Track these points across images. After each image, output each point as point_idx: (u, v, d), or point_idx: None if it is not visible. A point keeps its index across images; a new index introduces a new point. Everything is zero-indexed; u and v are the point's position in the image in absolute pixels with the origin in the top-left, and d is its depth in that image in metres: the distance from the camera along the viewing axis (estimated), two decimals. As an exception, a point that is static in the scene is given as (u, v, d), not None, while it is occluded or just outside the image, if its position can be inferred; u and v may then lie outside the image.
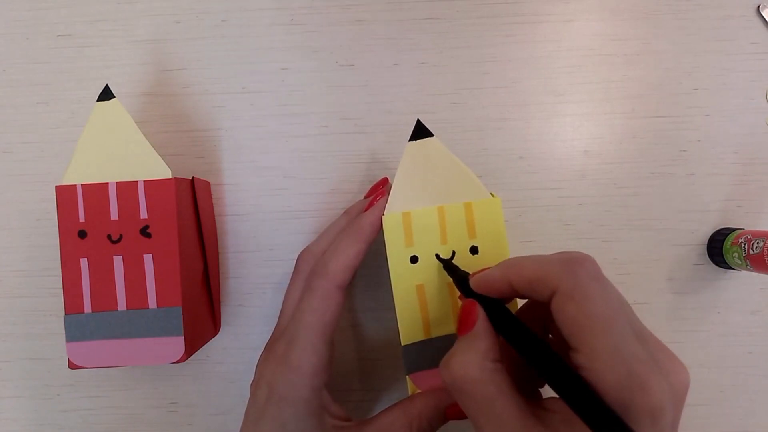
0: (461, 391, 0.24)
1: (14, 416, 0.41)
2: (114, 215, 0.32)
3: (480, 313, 0.26)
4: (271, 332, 0.33)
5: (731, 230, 0.39)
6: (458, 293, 0.30)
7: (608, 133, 0.41)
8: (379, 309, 0.40)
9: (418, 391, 0.31)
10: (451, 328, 0.31)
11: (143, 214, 0.32)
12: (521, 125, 0.41)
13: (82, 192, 0.32)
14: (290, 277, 0.34)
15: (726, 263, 0.39)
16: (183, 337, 0.31)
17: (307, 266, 0.33)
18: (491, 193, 0.31)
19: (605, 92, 0.41)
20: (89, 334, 0.31)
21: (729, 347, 0.40)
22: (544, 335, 0.28)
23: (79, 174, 0.32)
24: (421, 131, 0.31)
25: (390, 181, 0.37)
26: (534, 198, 0.40)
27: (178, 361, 0.31)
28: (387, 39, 0.41)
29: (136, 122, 0.32)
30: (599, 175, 0.41)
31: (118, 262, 0.32)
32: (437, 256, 0.31)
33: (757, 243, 0.35)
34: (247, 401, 0.31)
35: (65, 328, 0.31)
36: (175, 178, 0.32)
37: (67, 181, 0.32)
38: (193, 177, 0.36)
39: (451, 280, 0.31)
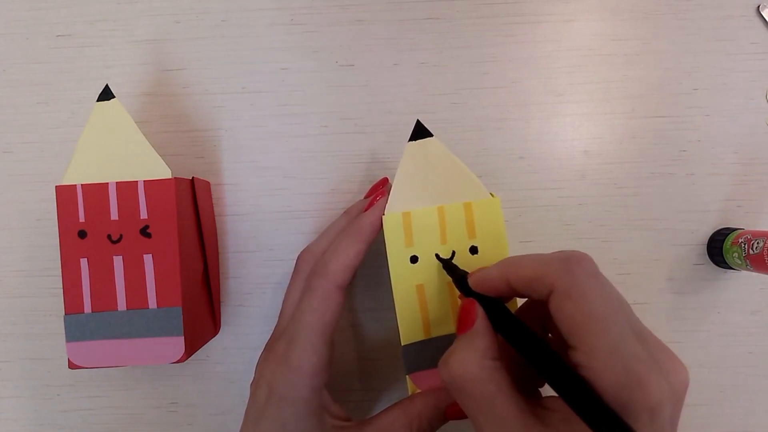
0: (460, 389, 0.24)
1: (14, 416, 0.41)
2: (114, 215, 0.32)
3: (479, 312, 0.26)
4: (271, 332, 0.33)
5: (731, 230, 0.39)
6: (458, 293, 0.30)
7: (608, 133, 0.41)
8: (379, 309, 0.40)
9: (418, 390, 0.31)
10: (451, 328, 0.31)
11: (143, 214, 0.32)
12: (521, 125, 0.41)
13: (82, 192, 0.32)
14: (290, 277, 0.34)
15: (726, 263, 0.38)
16: (183, 337, 0.31)
17: (307, 266, 0.33)
18: (491, 193, 0.31)
19: (605, 92, 0.41)
20: (89, 334, 0.31)
21: (729, 347, 0.40)
22: (543, 334, 0.28)
23: (79, 174, 0.32)
24: (420, 131, 0.31)
25: (390, 181, 0.37)
26: (534, 198, 0.40)
27: (178, 361, 0.31)
28: (387, 39, 0.41)
29: (136, 122, 0.32)
30: (599, 175, 0.41)
31: (118, 262, 0.32)
32: (437, 255, 0.31)
33: (757, 243, 0.35)
34: (247, 401, 0.31)
35: (65, 328, 0.31)
36: (175, 178, 0.32)
37: (67, 181, 0.32)
38: (193, 177, 0.36)
39: (451, 279, 0.31)
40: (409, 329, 0.31)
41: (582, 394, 0.20)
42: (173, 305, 0.31)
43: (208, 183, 0.40)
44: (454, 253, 0.31)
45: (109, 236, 0.32)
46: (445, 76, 0.41)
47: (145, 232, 0.32)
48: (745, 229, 0.39)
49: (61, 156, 0.41)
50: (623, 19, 0.41)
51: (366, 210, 0.32)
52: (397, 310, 0.31)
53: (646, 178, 0.41)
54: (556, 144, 0.41)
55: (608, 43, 0.41)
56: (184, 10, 0.41)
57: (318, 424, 0.29)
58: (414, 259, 0.31)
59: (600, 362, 0.21)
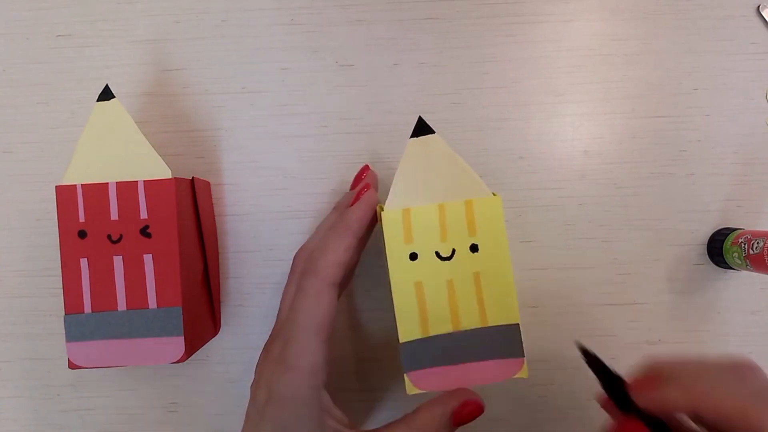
0: None
1: (14, 416, 0.41)
2: (114, 215, 0.32)
3: None
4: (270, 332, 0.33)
5: (731, 230, 0.39)
6: (459, 293, 0.30)
7: (608, 133, 0.41)
8: (379, 309, 0.40)
9: (416, 390, 0.31)
10: (449, 326, 0.31)
11: (143, 214, 0.32)
12: (521, 125, 0.41)
13: (82, 192, 0.32)
14: (278, 284, 0.34)
15: (726, 263, 0.38)
16: (183, 337, 0.31)
17: (302, 265, 0.33)
18: (492, 192, 0.31)
19: (605, 92, 0.41)
20: (89, 334, 0.31)
21: (729, 347, 0.40)
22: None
23: (79, 174, 0.32)
24: (422, 128, 0.31)
25: (371, 169, 0.37)
26: (534, 198, 0.40)
27: (178, 361, 0.31)
28: (387, 39, 0.41)
29: (136, 122, 0.32)
30: (599, 175, 0.41)
31: (118, 262, 0.32)
32: (580, 347, 0.30)
33: (757, 243, 0.35)
34: (247, 401, 0.31)
35: (65, 328, 0.31)
36: (175, 178, 0.32)
37: (67, 181, 0.32)
38: (193, 177, 0.36)
39: (451, 277, 0.30)
40: (407, 327, 0.31)
41: None
42: (173, 305, 0.31)
43: (208, 183, 0.40)
44: (454, 251, 0.31)
45: (109, 236, 0.32)
46: (445, 76, 0.41)
47: (145, 232, 0.32)
48: (745, 229, 0.39)
49: (61, 156, 0.41)
50: (623, 19, 0.41)
51: (352, 204, 0.32)
52: (395, 307, 0.31)
53: (646, 178, 0.41)
54: (556, 144, 0.41)
55: (608, 43, 0.41)
56: (184, 10, 0.41)
57: (318, 425, 0.29)
58: (413, 257, 0.31)
59: None
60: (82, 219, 0.31)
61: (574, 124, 0.41)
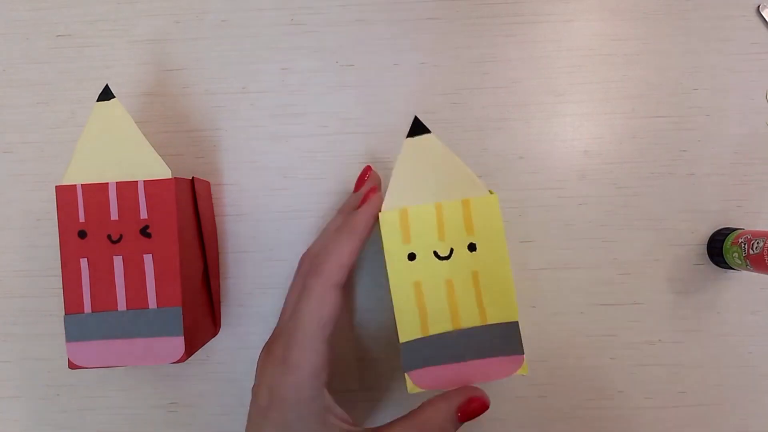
0: None
1: (14, 416, 0.41)
2: (114, 215, 0.32)
3: None
4: (270, 333, 0.33)
5: (731, 230, 0.39)
6: (457, 292, 0.30)
7: (608, 133, 0.41)
8: (379, 309, 0.40)
9: (417, 389, 0.31)
10: (448, 325, 0.31)
11: (143, 214, 0.32)
12: (521, 125, 0.41)
13: (82, 192, 0.32)
14: (278, 284, 0.34)
15: (726, 263, 0.38)
16: (183, 337, 0.31)
17: (307, 267, 0.33)
18: (489, 190, 0.31)
19: (605, 92, 0.41)
20: (89, 334, 0.31)
21: (729, 347, 0.40)
22: None
23: (79, 174, 0.32)
24: (418, 128, 0.31)
25: (374, 170, 0.37)
26: (534, 198, 0.40)
27: (178, 361, 0.31)
28: (387, 39, 0.41)
29: (136, 122, 0.32)
30: (599, 175, 0.41)
31: (118, 262, 0.32)
32: None
33: (757, 243, 0.35)
34: (247, 402, 0.31)
35: (65, 328, 0.31)
36: (175, 178, 0.32)
37: (67, 181, 0.32)
38: (193, 177, 0.36)
39: (449, 276, 0.31)
40: (407, 326, 0.31)
41: None
42: (173, 305, 0.31)
43: (208, 183, 0.40)
44: (452, 250, 0.31)
45: (109, 236, 0.32)
46: (445, 76, 0.41)
47: (145, 232, 0.32)
48: (745, 229, 0.39)
49: (61, 156, 0.41)
50: (623, 19, 0.41)
51: (358, 207, 0.32)
52: (395, 307, 0.31)
53: (646, 178, 0.41)
54: (556, 144, 0.41)
55: (608, 43, 0.41)
56: (184, 10, 0.41)
57: (322, 425, 0.29)
58: (412, 257, 0.31)
59: None
60: (82, 219, 0.31)
61: (574, 124, 0.41)
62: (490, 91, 0.41)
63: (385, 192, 0.31)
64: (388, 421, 0.30)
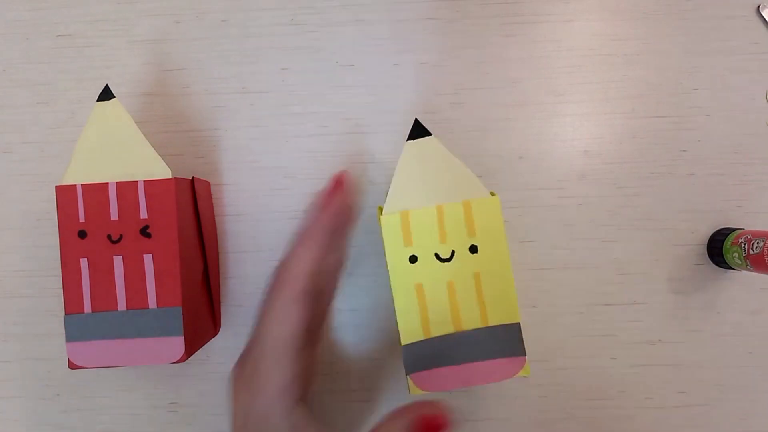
0: None
1: (14, 416, 0.41)
2: (114, 215, 0.32)
3: None
4: None
5: (731, 230, 0.39)
6: (459, 294, 0.30)
7: (608, 133, 0.41)
8: (379, 309, 0.40)
9: (419, 391, 0.31)
10: (450, 327, 0.31)
11: (143, 214, 0.32)
12: (521, 125, 0.41)
13: (82, 192, 0.32)
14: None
15: (726, 263, 0.38)
16: (183, 337, 0.31)
17: (272, 278, 0.32)
18: (491, 192, 0.31)
19: (605, 92, 0.41)
20: (89, 334, 0.31)
21: (729, 347, 0.40)
22: None
23: (79, 174, 0.32)
24: (419, 130, 0.31)
25: (346, 171, 0.36)
26: (534, 198, 0.40)
27: (178, 361, 0.31)
28: (387, 39, 0.41)
29: (136, 122, 0.32)
30: (599, 175, 0.41)
31: (118, 262, 0.32)
32: None
33: (757, 243, 0.35)
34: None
35: (65, 328, 0.31)
36: (175, 178, 0.32)
37: (67, 181, 0.32)
38: (193, 177, 0.36)
39: (451, 279, 0.31)
40: (408, 329, 0.31)
41: None
42: (173, 305, 0.31)
43: (208, 183, 0.40)
44: (453, 252, 0.31)
45: (109, 236, 0.32)
46: (445, 76, 0.41)
47: (145, 232, 0.32)
48: (745, 229, 0.39)
49: (61, 156, 0.41)
50: (623, 19, 0.41)
51: (320, 210, 0.31)
52: (396, 310, 0.31)
53: (646, 178, 0.41)
54: (556, 144, 0.41)
55: (608, 43, 0.41)
56: (184, 10, 0.41)
57: None
58: (413, 259, 0.31)
59: None
60: (82, 219, 0.31)
61: (574, 124, 0.41)
62: (490, 91, 0.41)
63: (386, 193, 0.31)
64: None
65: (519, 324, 0.31)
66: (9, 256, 0.41)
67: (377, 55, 0.41)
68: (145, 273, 0.31)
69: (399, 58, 0.41)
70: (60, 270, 0.31)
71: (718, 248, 0.39)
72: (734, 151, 0.41)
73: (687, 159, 0.41)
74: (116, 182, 0.32)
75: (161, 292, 0.31)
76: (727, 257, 0.38)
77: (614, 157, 0.41)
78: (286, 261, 0.30)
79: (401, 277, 0.31)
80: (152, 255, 0.32)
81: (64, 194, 0.31)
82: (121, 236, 0.32)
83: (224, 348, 0.40)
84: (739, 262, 0.37)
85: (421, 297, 0.31)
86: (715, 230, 0.40)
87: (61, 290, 0.31)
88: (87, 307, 0.31)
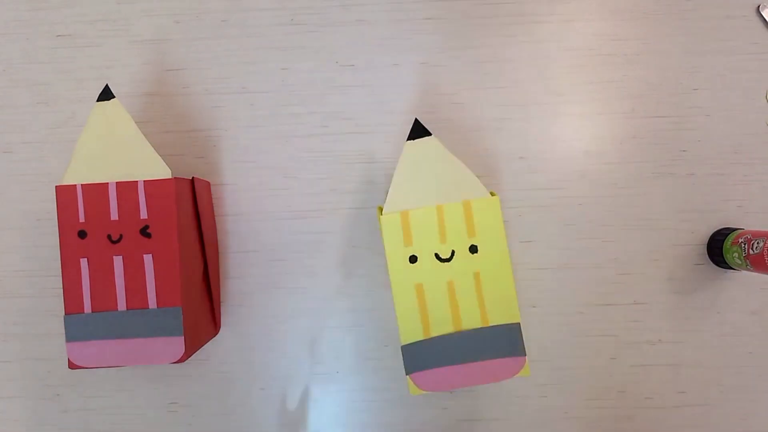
0: None
1: (14, 416, 0.41)
2: (114, 215, 0.32)
3: None
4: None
5: (731, 230, 0.39)
6: (459, 293, 0.30)
7: (608, 133, 0.41)
8: (379, 309, 0.40)
9: (419, 391, 0.31)
10: (450, 327, 0.31)
11: (143, 214, 0.32)
12: (521, 125, 0.41)
13: (82, 192, 0.31)
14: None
15: (726, 263, 0.38)
16: (183, 337, 0.31)
17: None
18: (490, 192, 0.31)
19: (605, 92, 0.41)
20: (89, 334, 0.31)
21: (729, 347, 0.40)
22: None
23: (79, 174, 0.32)
24: (419, 130, 0.31)
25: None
26: (534, 198, 0.40)
27: (178, 361, 0.31)
28: (387, 39, 0.41)
29: (136, 122, 0.32)
30: (599, 175, 0.41)
31: (118, 262, 0.32)
32: None
33: (757, 243, 0.35)
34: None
35: (65, 328, 0.31)
36: (175, 178, 0.32)
37: (67, 181, 0.32)
38: (193, 177, 0.36)
39: (451, 278, 0.31)
40: (408, 329, 0.31)
41: None
42: (173, 305, 0.31)
43: (208, 183, 0.40)
44: (453, 252, 0.31)
45: (109, 236, 0.32)
46: (445, 76, 0.41)
47: (145, 232, 0.32)
48: (745, 229, 0.39)
49: (61, 156, 0.41)
50: (623, 19, 0.41)
51: None
52: (396, 310, 0.31)
53: (646, 178, 0.41)
54: (556, 144, 0.41)
55: (608, 43, 0.41)
56: (184, 10, 0.41)
57: None
58: (413, 259, 0.31)
59: None
60: (82, 219, 0.31)
61: (575, 124, 0.41)
62: (490, 91, 0.41)
63: (387, 195, 0.31)
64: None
65: (519, 324, 0.31)
66: (9, 256, 0.41)
67: (377, 55, 0.41)
68: (145, 273, 0.31)
69: (399, 58, 0.41)
70: (60, 270, 0.31)
71: (718, 248, 0.39)
72: (734, 151, 0.41)
73: (687, 159, 0.41)
74: (116, 182, 0.32)
75: (161, 292, 0.31)
76: (727, 257, 0.38)
77: (614, 157, 0.41)
78: None
79: (401, 277, 0.31)
80: (152, 255, 0.31)
81: (64, 194, 0.31)
82: (121, 236, 0.32)
83: (224, 348, 0.40)
84: (739, 262, 0.37)
85: (421, 297, 0.31)
86: (715, 230, 0.40)
87: (61, 290, 0.31)
88: (87, 307, 0.31)
